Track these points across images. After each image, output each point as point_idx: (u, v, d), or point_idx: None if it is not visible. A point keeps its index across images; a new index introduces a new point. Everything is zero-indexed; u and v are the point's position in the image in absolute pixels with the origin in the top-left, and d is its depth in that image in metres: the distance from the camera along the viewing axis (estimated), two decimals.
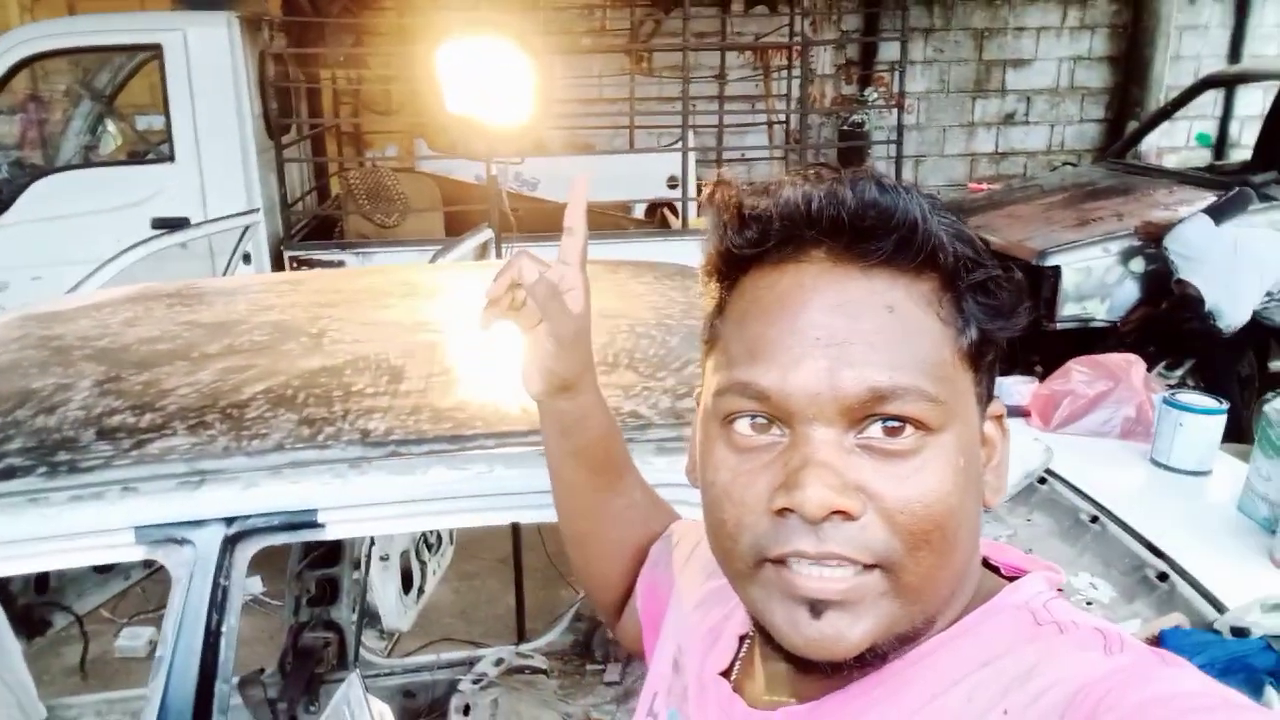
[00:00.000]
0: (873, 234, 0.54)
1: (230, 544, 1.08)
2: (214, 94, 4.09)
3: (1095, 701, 0.48)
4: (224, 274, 3.66)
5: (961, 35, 7.64)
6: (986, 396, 0.58)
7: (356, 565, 2.30)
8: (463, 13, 4.64)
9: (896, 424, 0.53)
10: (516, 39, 2.24)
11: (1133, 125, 7.38)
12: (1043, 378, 4.98)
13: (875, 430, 0.53)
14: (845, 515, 0.52)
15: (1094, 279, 4.37)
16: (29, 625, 3.21)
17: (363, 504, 1.10)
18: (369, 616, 2.92)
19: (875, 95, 7.38)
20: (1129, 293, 4.33)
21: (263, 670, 2.19)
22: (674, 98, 6.78)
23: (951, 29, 7.58)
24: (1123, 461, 1.93)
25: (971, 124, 7.88)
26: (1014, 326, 0.57)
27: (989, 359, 0.58)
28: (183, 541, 1.07)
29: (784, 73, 7.14)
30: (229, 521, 1.08)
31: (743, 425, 0.56)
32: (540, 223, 4.69)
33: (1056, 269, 4.34)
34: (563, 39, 6.51)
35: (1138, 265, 4.31)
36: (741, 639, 0.69)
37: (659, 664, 0.77)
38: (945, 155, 7.89)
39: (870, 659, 0.55)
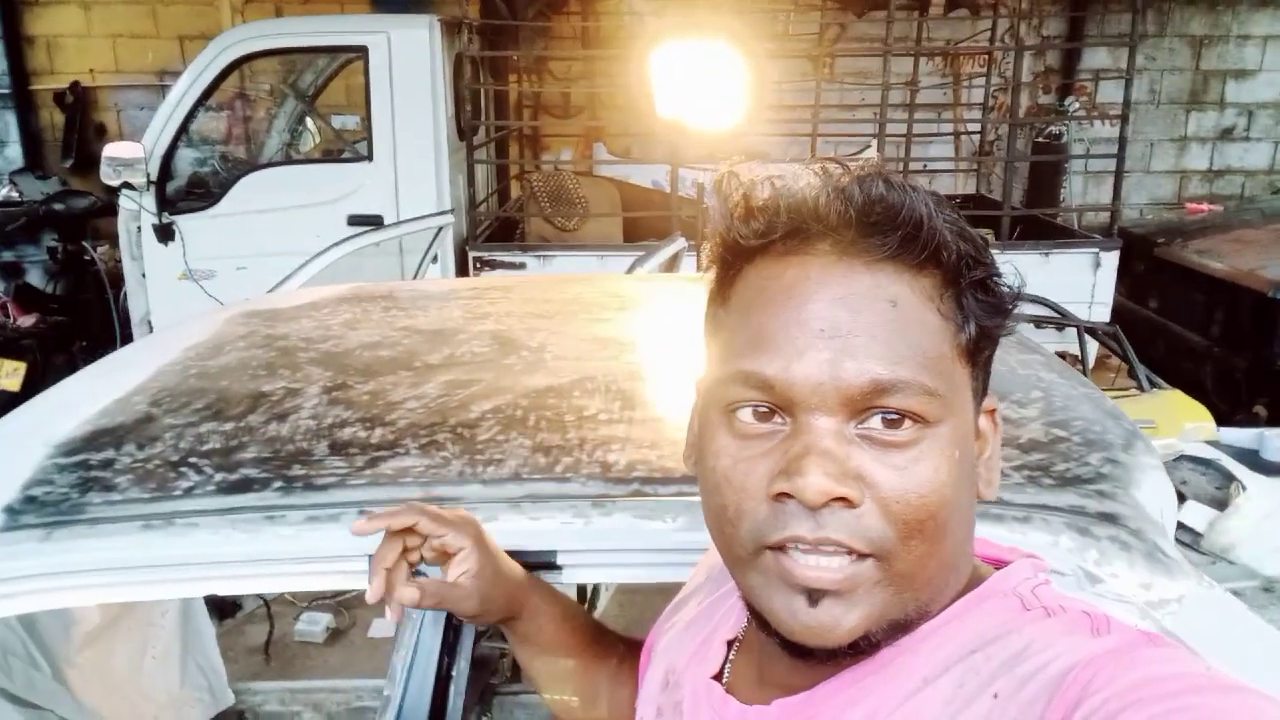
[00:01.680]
0: (879, 230, 0.55)
1: None
2: (412, 96, 4.18)
3: (1084, 684, 0.49)
4: (415, 273, 3.71)
5: (1177, 42, 7.03)
6: (982, 391, 0.60)
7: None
8: (654, 18, 4.58)
9: (896, 416, 0.54)
10: (733, 41, 2.12)
11: None
12: (1267, 422, 4.51)
13: (875, 421, 0.55)
14: (844, 503, 0.53)
15: None
16: (222, 607, 3.36)
17: (606, 549, 0.99)
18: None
19: (1076, 105, 6.88)
20: None
21: None
22: (855, 105, 6.54)
23: (1166, 35, 6.98)
24: None
25: (1184, 138, 7.23)
26: (1010, 325, 0.59)
27: (985, 355, 0.59)
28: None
29: (977, 80, 6.76)
30: None
31: (745, 414, 0.57)
32: None
33: None
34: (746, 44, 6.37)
35: None
36: (729, 644, 0.71)
37: (646, 688, 0.78)
38: (1151, 171, 7.26)
39: (864, 646, 0.56)
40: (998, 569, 0.62)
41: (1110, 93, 6.82)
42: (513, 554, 0.99)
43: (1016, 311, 0.60)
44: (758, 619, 0.60)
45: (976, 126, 6.80)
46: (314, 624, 3.44)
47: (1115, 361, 4.50)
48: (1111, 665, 0.50)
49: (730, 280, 0.60)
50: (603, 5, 6.13)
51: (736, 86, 2.14)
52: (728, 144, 3.53)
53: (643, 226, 4.72)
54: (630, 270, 2.49)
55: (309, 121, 5.44)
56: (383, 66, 4.22)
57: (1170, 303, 4.68)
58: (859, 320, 0.54)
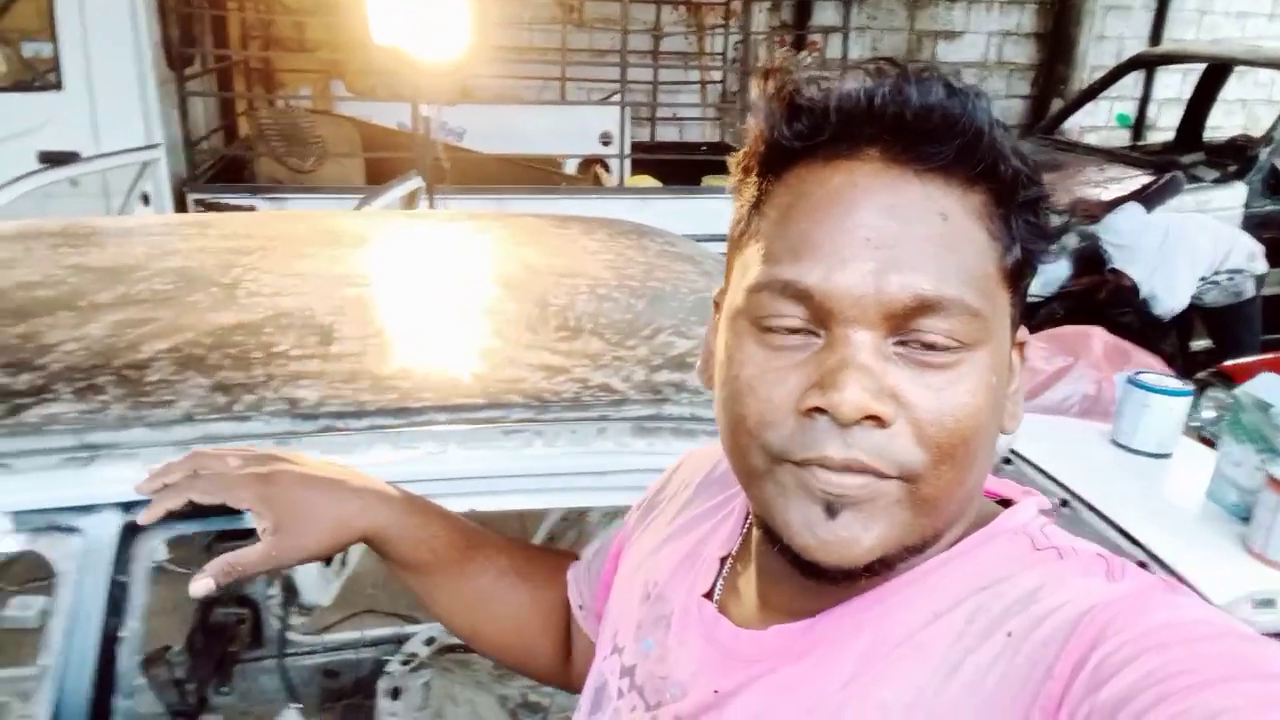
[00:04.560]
0: (935, 137, 0.51)
1: (130, 533, 0.90)
2: (107, 17, 3.71)
3: (1101, 625, 0.48)
4: (120, 214, 3.34)
5: (894, 4, 7.59)
6: (1018, 320, 0.58)
7: None
8: None
9: (936, 335, 0.51)
10: None
11: (1058, 102, 7.47)
12: None
13: (915, 339, 0.52)
14: (877, 421, 0.51)
15: None
16: None
17: None
18: (288, 590, 2.73)
19: (809, 60, 7.27)
20: (1061, 270, 4.35)
21: (169, 648, 1.99)
22: (606, 50, 6.57)
23: None
24: (1083, 441, 1.87)
25: None
26: (1053, 251, 0.52)
27: (1026, 282, 0.57)
28: (69, 530, 0.89)
29: (718, 32, 6.98)
30: (126, 507, 0.90)
31: (776, 325, 0.53)
32: (466, 174, 4.46)
33: None
34: None
35: (1070, 242, 4.33)
36: (723, 560, 0.67)
37: (621, 602, 0.73)
38: None
39: (877, 569, 0.54)
40: (1000, 505, 0.61)
41: (837, 49, 7.27)
42: None
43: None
44: (768, 534, 0.56)
45: (719, 77, 7.04)
46: (26, 609, 3.09)
47: None
48: (1130, 609, 0.49)
49: (768, 186, 0.56)
50: None
51: (457, 16, 2.06)
52: (451, 80, 3.40)
53: (387, 168, 4.50)
54: (358, 207, 2.36)
55: None
56: None
57: None
58: (907, 231, 0.51)
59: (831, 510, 0.52)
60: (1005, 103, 8.07)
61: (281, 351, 1.10)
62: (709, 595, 0.66)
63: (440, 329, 1.24)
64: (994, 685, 0.51)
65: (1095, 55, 7.67)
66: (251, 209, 3.90)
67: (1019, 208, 0.54)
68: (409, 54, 2.20)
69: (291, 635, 2.41)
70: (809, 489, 0.52)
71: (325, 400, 1.00)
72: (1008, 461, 1.65)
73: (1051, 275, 4.34)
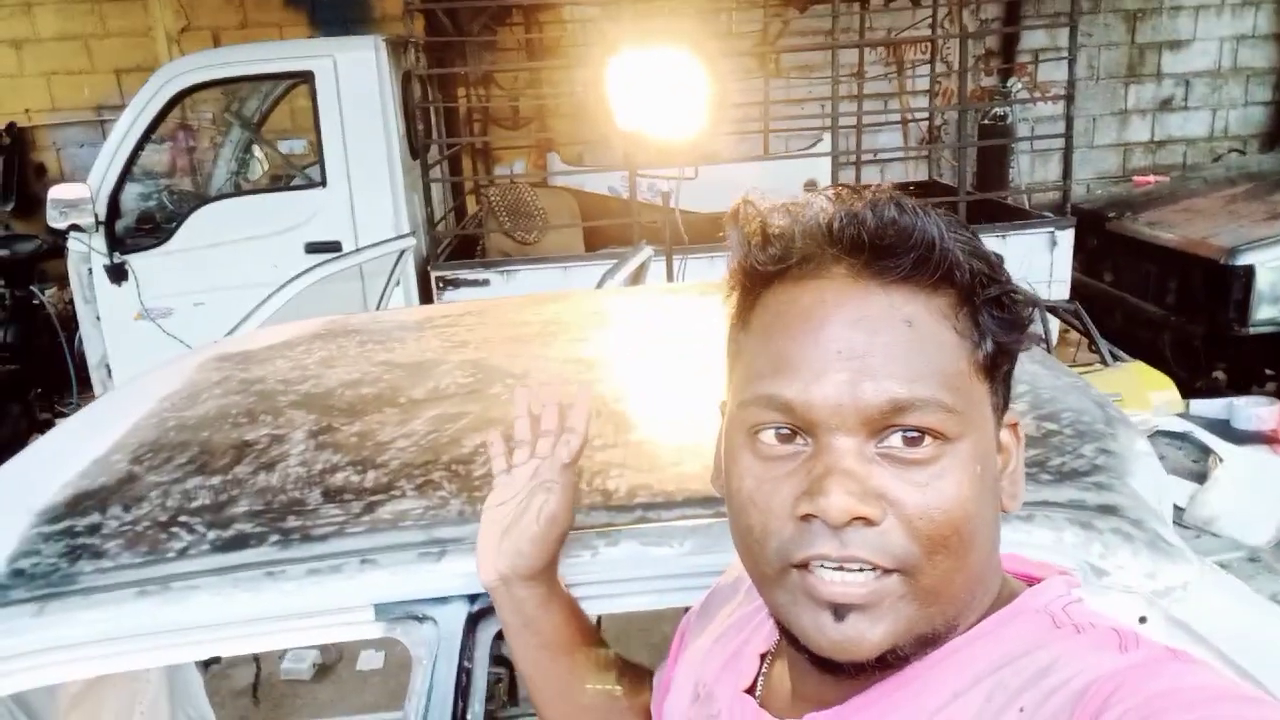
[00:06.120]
0: (892, 252, 0.56)
1: (473, 622, 0.98)
2: (362, 118, 4.13)
3: (1105, 696, 0.50)
4: (380, 299, 3.67)
5: (1112, 18, 7.16)
6: (1002, 406, 0.61)
7: None
8: (609, 22, 4.55)
9: (915, 434, 0.55)
10: (690, 48, 2.12)
11: None
12: (1227, 387, 4.59)
13: (895, 440, 0.55)
14: (866, 521, 0.54)
15: None
16: None
17: (614, 579, 0.98)
18: None
19: (1019, 86, 6.99)
20: None
21: None
22: (801, 100, 6.58)
23: (1100, 11, 7.11)
24: None
25: (1124, 112, 7.38)
26: (1028, 340, 0.60)
27: (1004, 370, 0.60)
28: (424, 619, 0.98)
29: (920, 68, 6.84)
30: (472, 599, 0.97)
31: (768, 436, 0.58)
32: (678, 236, 4.58)
33: (1249, 268, 3.97)
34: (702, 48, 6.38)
35: None
36: (763, 657, 0.71)
37: (674, 699, 0.78)
38: (1095, 146, 7.40)
39: (892, 660, 0.57)
40: (1030, 585, 0.63)
41: (1049, 72, 6.94)
42: None
43: (1033, 328, 0.60)
44: (787, 635, 0.61)
45: (922, 114, 6.88)
46: (300, 661, 3.38)
47: (1074, 336, 4.58)
48: (1134, 678, 0.51)
49: (750, 305, 0.61)
50: (546, 15, 6.11)
51: (698, 93, 2.14)
52: (679, 146, 3.51)
53: (603, 234, 4.71)
54: (600, 284, 2.48)
55: (255, 149, 5.35)
56: (330, 90, 4.17)
57: (1125, 275, 4.77)
58: (876, 341, 0.55)
59: (838, 613, 0.56)
60: (1244, 112, 7.41)
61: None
62: (751, 690, 0.70)
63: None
64: None
65: None
66: (486, 283, 4.17)
67: (984, 304, 0.57)
68: (651, 134, 2.30)
69: None
70: (816, 595, 0.56)
71: (635, 490, 1.05)
72: None
73: None
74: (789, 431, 0.57)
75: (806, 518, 0.55)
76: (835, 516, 0.54)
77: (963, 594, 0.58)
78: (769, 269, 0.59)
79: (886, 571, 0.55)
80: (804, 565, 0.56)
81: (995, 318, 0.58)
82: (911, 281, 0.56)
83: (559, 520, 0.88)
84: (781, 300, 0.59)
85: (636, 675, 0.93)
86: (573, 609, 0.91)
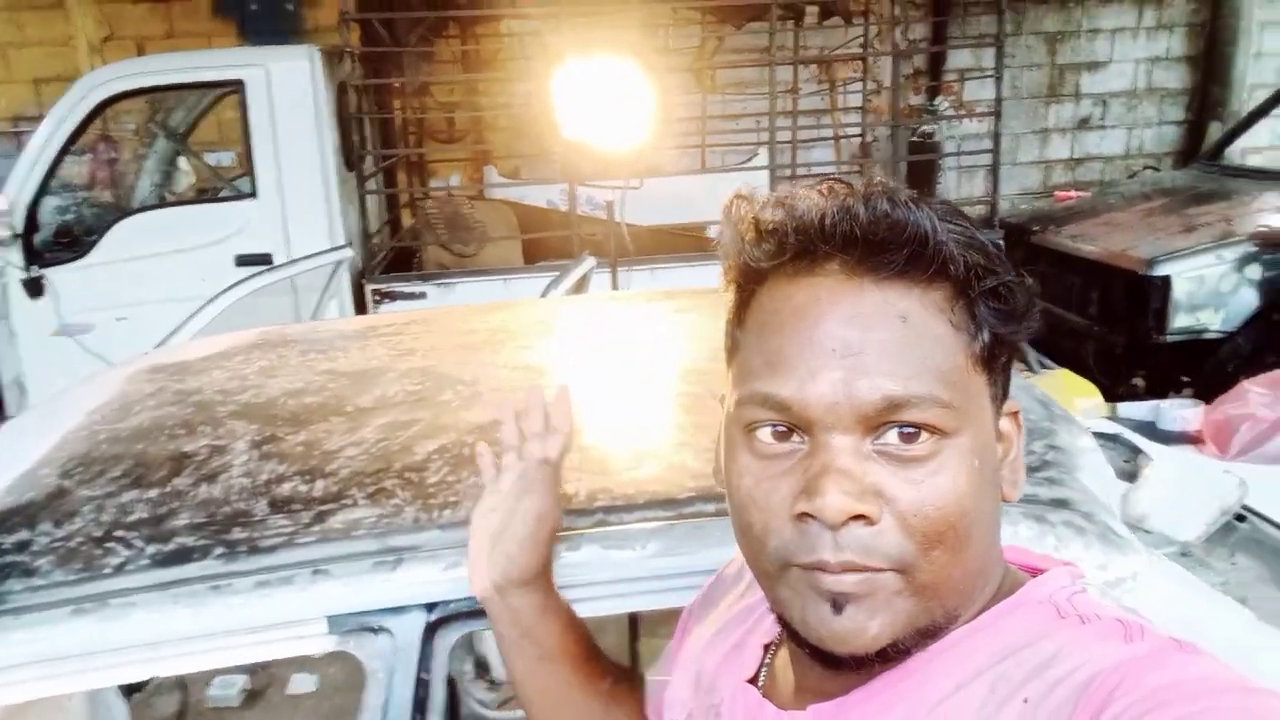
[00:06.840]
0: (885, 247, 0.55)
1: (430, 632, 0.95)
2: (296, 128, 4.04)
3: (1110, 688, 0.50)
4: (314, 312, 3.58)
5: (1033, 40, 7.43)
6: (1001, 396, 0.61)
7: None
8: (552, 35, 4.53)
9: (912, 430, 0.55)
10: (635, 59, 2.12)
11: (1215, 126, 7.09)
12: (1145, 394, 4.74)
13: (891, 436, 0.55)
14: (863, 520, 0.54)
15: (1207, 288, 4.13)
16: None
17: (576, 584, 0.97)
18: (479, 665, 2.80)
19: (946, 104, 7.18)
20: (1246, 301, 4.09)
21: None
22: (737, 115, 6.66)
23: (1023, 34, 7.36)
24: None
25: (1045, 130, 7.64)
26: (1027, 329, 0.59)
27: (1003, 360, 0.60)
28: (379, 630, 0.95)
29: (852, 86, 6.98)
30: (430, 608, 0.95)
31: (764, 434, 0.58)
32: (623, 247, 4.58)
33: (1166, 279, 4.12)
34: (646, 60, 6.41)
35: (1254, 272, 4.08)
36: (766, 648, 0.71)
37: (675, 689, 0.77)
38: (1018, 163, 7.64)
39: (893, 653, 0.57)
40: (1034, 577, 0.63)
41: (975, 91, 7.15)
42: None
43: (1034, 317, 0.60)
44: (788, 629, 0.61)
45: (854, 130, 7.02)
46: (228, 687, 3.26)
47: None
48: (1138, 669, 0.51)
49: (745, 302, 0.61)
50: (484, 27, 6.08)
51: (642, 104, 2.14)
52: (622, 158, 3.52)
53: (542, 247, 4.69)
54: (544, 294, 2.46)
55: (181, 161, 5.20)
56: (262, 100, 4.07)
57: (1049, 286, 4.90)
58: (870, 338, 0.55)
59: (837, 606, 0.56)
60: (1158, 130, 7.73)
61: None
62: (753, 681, 0.70)
63: (674, 421, 1.26)
64: None
65: (1255, 74, 7.26)
66: (423, 295, 4.11)
67: (981, 296, 0.57)
68: (595, 145, 2.29)
69: (481, 711, 2.46)
70: (816, 589, 0.56)
71: (595, 494, 1.04)
72: (1240, 519, 1.55)
73: (1234, 309, 4.08)
74: (785, 429, 0.57)
75: (803, 517, 0.55)
76: (832, 516, 0.54)
77: (962, 587, 0.58)
78: (763, 265, 0.59)
79: (881, 570, 0.55)
80: (805, 568, 0.56)
81: (992, 309, 0.58)
82: (906, 277, 0.56)
83: (546, 518, 0.87)
84: (776, 297, 0.58)
85: (631, 680, 0.92)
86: (570, 617, 0.89)
